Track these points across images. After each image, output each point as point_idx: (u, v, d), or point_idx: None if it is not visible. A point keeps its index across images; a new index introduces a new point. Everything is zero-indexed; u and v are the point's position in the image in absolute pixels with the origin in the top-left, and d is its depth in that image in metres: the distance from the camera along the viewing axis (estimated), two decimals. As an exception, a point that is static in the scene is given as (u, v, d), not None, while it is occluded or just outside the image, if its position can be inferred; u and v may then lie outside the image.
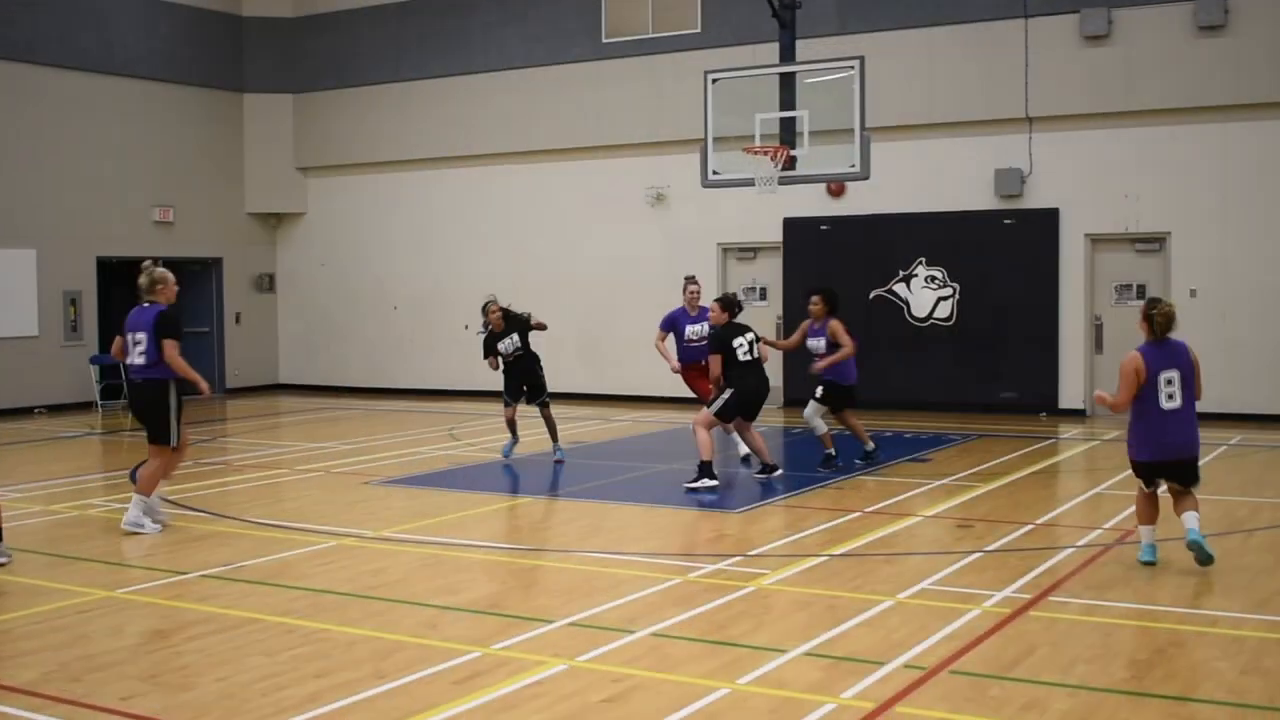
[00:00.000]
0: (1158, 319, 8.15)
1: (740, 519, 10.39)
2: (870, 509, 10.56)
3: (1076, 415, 17.41)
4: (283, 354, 24.07)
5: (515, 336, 13.49)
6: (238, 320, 23.45)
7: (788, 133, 13.72)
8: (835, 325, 12.47)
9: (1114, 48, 17.08)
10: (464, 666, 6.31)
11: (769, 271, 19.64)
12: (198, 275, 22.70)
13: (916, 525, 9.99)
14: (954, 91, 18.09)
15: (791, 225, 19.12)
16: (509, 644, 6.68)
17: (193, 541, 9.72)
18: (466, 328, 20.33)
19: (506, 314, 13.57)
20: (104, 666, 6.42)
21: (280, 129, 23.60)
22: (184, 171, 22.35)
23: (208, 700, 5.89)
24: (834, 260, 18.66)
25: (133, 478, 10.97)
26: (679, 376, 13.62)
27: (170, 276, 10.13)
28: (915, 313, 18.44)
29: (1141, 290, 17.10)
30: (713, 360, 11.77)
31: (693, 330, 13.25)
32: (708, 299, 13.10)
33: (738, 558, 8.81)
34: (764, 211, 18.49)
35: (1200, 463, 8.39)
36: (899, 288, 18.54)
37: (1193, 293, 16.61)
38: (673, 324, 13.46)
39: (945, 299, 18.24)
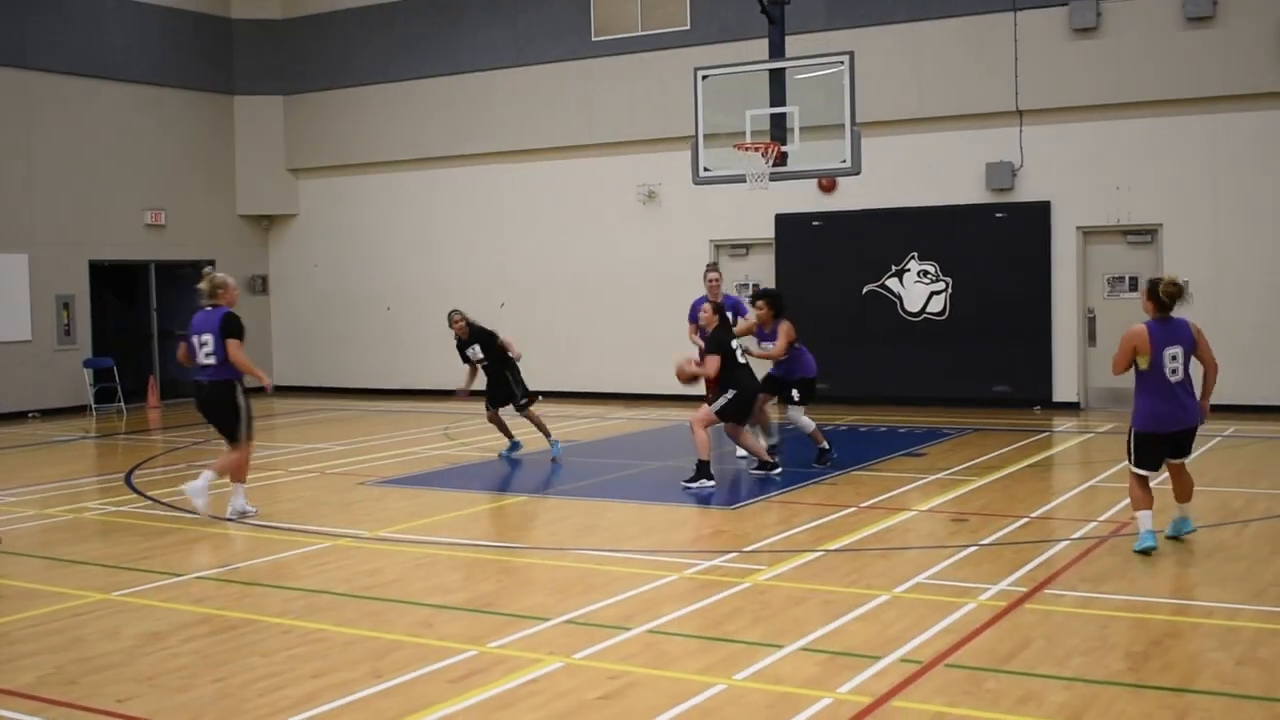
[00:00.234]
0: (1164, 291, 8.41)
1: (735, 515, 10.39)
2: (865, 504, 10.56)
3: (1070, 408, 17.44)
4: (276, 355, 24.02)
5: (477, 347, 13.69)
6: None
7: (778, 129, 13.70)
8: (785, 326, 12.37)
9: (1103, 40, 17.10)
10: (460, 665, 6.31)
11: (761, 268, 19.63)
12: (190, 278, 22.61)
13: (911, 520, 10.01)
14: (944, 85, 18.09)
15: (783, 221, 19.11)
16: (505, 642, 6.68)
17: (188, 543, 9.73)
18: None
19: (471, 326, 13.72)
20: (100, 669, 6.42)
21: (271, 131, 23.57)
22: (175, 174, 22.32)
23: (204, 701, 5.89)
24: (826, 256, 18.68)
25: (128, 480, 10.95)
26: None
27: (231, 281, 10.78)
28: (908, 307, 18.44)
29: (1134, 282, 17.12)
30: (712, 361, 11.75)
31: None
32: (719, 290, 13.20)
33: (733, 554, 8.82)
34: (756, 208, 18.48)
35: (1193, 454, 8.51)
36: (891, 282, 18.54)
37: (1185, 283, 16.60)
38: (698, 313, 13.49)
39: (938, 293, 18.25)
